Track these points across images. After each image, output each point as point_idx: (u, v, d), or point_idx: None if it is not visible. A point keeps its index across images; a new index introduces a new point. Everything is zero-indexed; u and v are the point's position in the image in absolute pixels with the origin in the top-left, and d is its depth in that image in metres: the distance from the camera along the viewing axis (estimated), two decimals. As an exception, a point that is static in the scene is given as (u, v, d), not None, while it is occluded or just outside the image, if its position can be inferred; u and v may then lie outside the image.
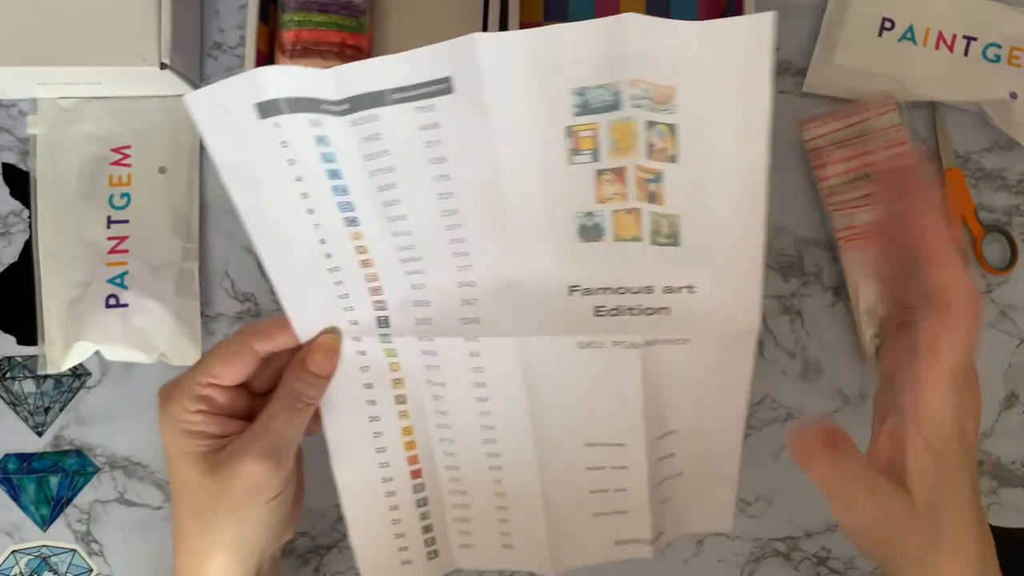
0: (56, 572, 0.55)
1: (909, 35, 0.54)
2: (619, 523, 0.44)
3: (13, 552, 0.55)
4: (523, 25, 0.51)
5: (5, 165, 0.55)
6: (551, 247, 0.38)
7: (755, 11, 0.49)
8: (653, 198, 0.36)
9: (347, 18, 0.52)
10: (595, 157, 0.36)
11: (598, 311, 0.39)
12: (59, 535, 0.55)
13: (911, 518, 0.34)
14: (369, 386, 0.43)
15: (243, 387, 0.41)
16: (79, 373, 0.55)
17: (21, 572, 0.55)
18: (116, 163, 0.54)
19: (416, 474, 0.44)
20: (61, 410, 0.55)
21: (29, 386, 0.55)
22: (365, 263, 0.40)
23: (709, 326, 0.39)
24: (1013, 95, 0.54)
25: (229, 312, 0.55)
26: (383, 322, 0.41)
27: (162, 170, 0.54)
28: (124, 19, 0.49)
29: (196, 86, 0.54)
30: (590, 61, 0.33)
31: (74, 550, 0.55)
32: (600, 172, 0.36)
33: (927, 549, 0.35)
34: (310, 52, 0.51)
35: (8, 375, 0.55)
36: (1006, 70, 0.54)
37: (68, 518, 0.55)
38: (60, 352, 0.53)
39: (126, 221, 0.53)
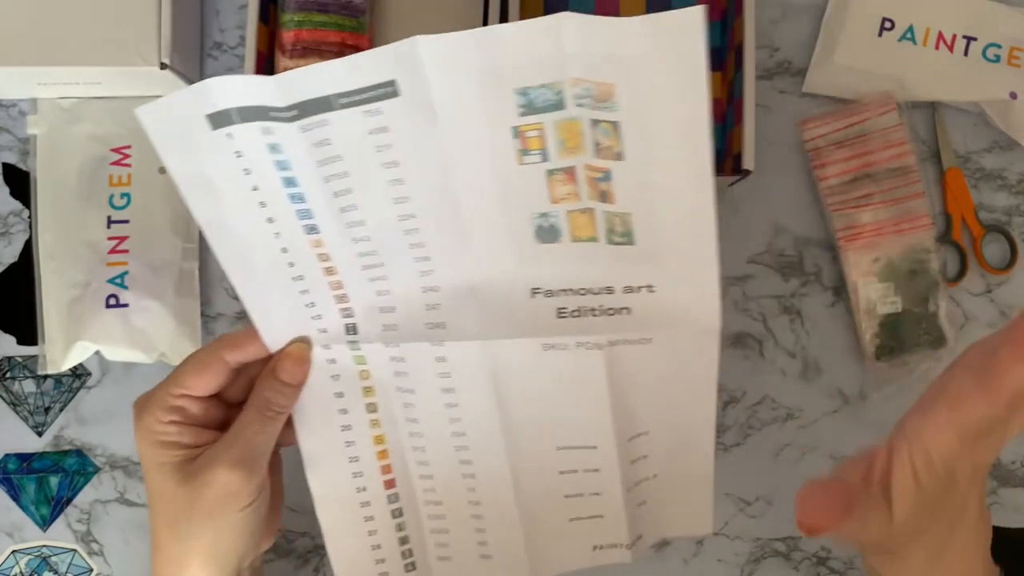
0: (56, 572, 0.55)
1: (909, 35, 0.54)
2: (596, 528, 0.43)
3: (13, 552, 0.55)
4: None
5: (5, 165, 0.55)
6: (510, 250, 0.38)
7: (755, 12, 0.49)
8: (605, 197, 0.36)
9: (347, 18, 0.52)
10: (544, 157, 0.36)
11: (560, 313, 0.39)
12: (59, 535, 0.55)
13: (889, 530, 0.35)
14: (340, 395, 0.42)
15: (217, 397, 0.41)
16: (79, 373, 0.55)
17: (21, 572, 0.55)
18: (116, 163, 0.54)
19: (390, 484, 0.44)
20: (61, 410, 0.55)
21: (29, 386, 0.55)
22: (329, 271, 0.40)
23: (670, 325, 0.39)
24: (1013, 95, 0.54)
25: (229, 312, 0.55)
26: (351, 329, 0.41)
27: (162, 170, 0.54)
28: (124, 19, 0.49)
29: (196, 86, 0.54)
30: (531, 61, 0.33)
31: (74, 550, 0.55)
32: (551, 172, 0.36)
33: (894, 547, 0.36)
34: (310, 52, 0.51)
35: (8, 375, 0.55)
36: (1006, 70, 0.54)
37: (68, 518, 0.55)
38: (60, 352, 0.53)
39: (126, 221, 0.53)
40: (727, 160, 0.52)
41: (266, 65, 0.51)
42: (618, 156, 0.35)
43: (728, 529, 0.55)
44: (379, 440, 0.44)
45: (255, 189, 0.38)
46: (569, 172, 0.36)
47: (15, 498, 0.55)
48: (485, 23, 0.50)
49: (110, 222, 0.53)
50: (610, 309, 0.39)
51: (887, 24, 0.54)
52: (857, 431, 0.54)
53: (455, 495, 0.44)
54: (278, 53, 0.52)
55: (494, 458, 0.42)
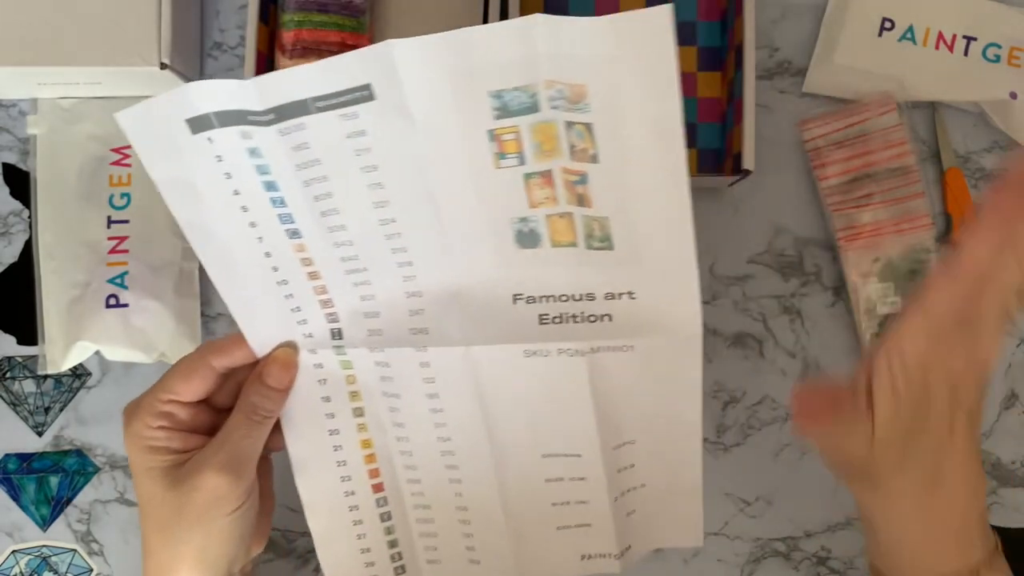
0: (56, 572, 0.55)
1: (909, 35, 0.54)
2: (584, 537, 0.43)
3: (13, 552, 0.55)
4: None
5: (5, 165, 0.55)
6: (491, 255, 0.38)
7: (755, 12, 0.49)
8: (582, 200, 0.36)
9: (347, 18, 0.52)
10: (521, 160, 0.36)
11: (542, 319, 0.39)
12: (59, 535, 0.55)
13: (871, 445, 0.37)
14: (327, 399, 0.42)
15: (205, 403, 0.42)
16: (79, 373, 0.55)
17: (21, 572, 0.55)
18: (116, 163, 0.54)
19: (378, 488, 0.44)
20: (61, 410, 0.55)
21: (29, 386, 0.55)
22: (312, 275, 0.40)
23: (651, 333, 0.39)
24: (1013, 95, 0.54)
25: (229, 312, 0.55)
26: (336, 334, 0.41)
27: (162, 170, 0.54)
28: (124, 19, 0.49)
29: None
30: (504, 63, 0.33)
31: (74, 550, 0.55)
32: (528, 176, 0.36)
33: (877, 468, 0.37)
34: (310, 52, 0.51)
35: (8, 375, 0.55)
36: (1006, 70, 0.54)
37: (68, 518, 0.55)
38: (60, 352, 0.53)
39: (126, 221, 0.53)
40: (727, 160, 0.52)
41: (266, 65, 0.51)
42: (593, 158, 0.35)
43: (728, 529, 0.55)
44: (366, 444, 0.44)
45: (236, 193, 0.38)
46: (546, 176, 0.36)
47: (15, 498, 0.55)
48: (485, 23, 0.50)
49: (110, 222, 0.53)
50: (591, 316, 0.39)
51: (887, 24, 0.54)
52: (857, 431, 0.54)
53: (443, 500, 0.44)
54: (278, 53, 0.52)
55: (479, 464, 0.42)
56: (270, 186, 0.38)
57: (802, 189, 0.55)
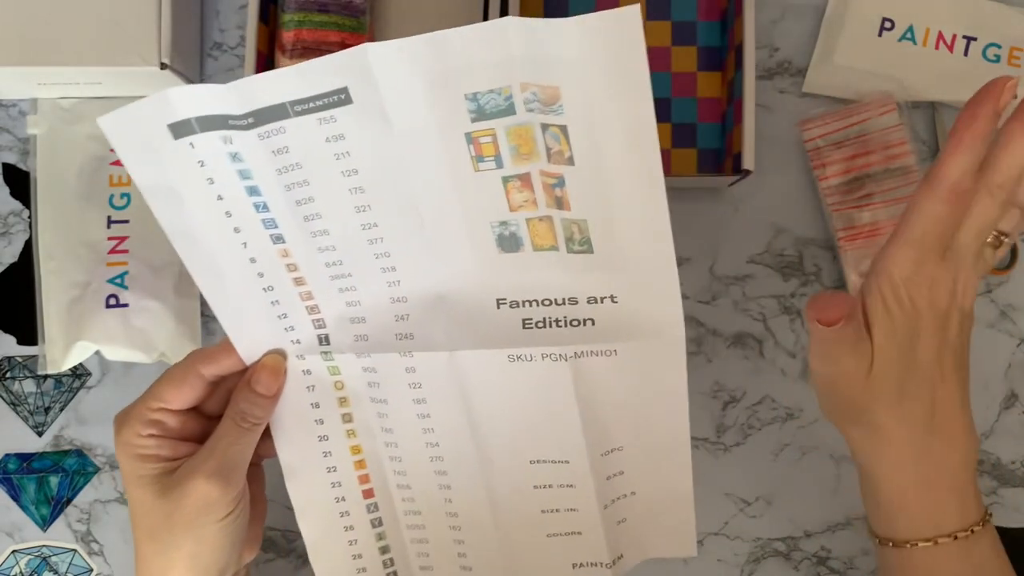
0: (56, 572, 0.55)
1: (909, 35, 0.54)
2: (574, 545, 0.43)
3: (13, 552, 0.55)
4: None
5: (5, 165, 0.55)
6: (473, 259, 0.38)
7: (755, 12, 0.49)
8: (560, 203, 0.36)
9: (347, 18, 0.52)
10: (499, 163, 0.35)
11: (526, 323, 0.39)
12: (59, 535, 0.55)
13: (869, 375, 0.38)
14: (316, 405, 0.42)
15: (195, 410, 0.42)
16: (79, 373, 0.55)
17: (21, 572, 0.55)
18: (116, 163, 0.54)
19: (368, 494, 0.44)
20: (61, 410, 0.55)
21: (29, 386, 0.55)
22: (298, 281, 0.40)
23: (634, 337, 0.38)
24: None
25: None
26: (324, 340, 0.41)
27: (162, 170, 0.54)
28: (124, 19, 0.49)
29: (196, 86, 0.54)
30: (479, 65, 0.33)
31: (74, 550, 0.55)
32: (506, 179, 0.36)
33: (875, 406, 0.38)
34: (310, 52, 0.51)
35: (8, 375, 0.55)
36: (1006, 70, 0.54)
37: (68, 518, 0.55)
38: (60, 352, 0.53)
39: (126, 221, 0.53)
40: (727, 160, 0.52)
41: (266, 65, 0.51)
42: (569, 160, 0.35)
43: (728, 529, 0.55)
44: (356, 450, 0.44)
45: (220, 198, 0.38)
46: (525, 178, 0.36)
47: (15, 498, 0.55)
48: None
49: (110, 222, 0.53)
50: (574, 320, 0.39)
51: (887, 24, 0.54)
52: (857, 431, 0.54)
53: (433, 505, 0.44)
54: (278, 53, 0.52)
55: (467, 469, 0.42)
56: (252, 191, 0.38)
57: (802, 189, 0.55)
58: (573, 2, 0.55)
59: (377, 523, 0.45)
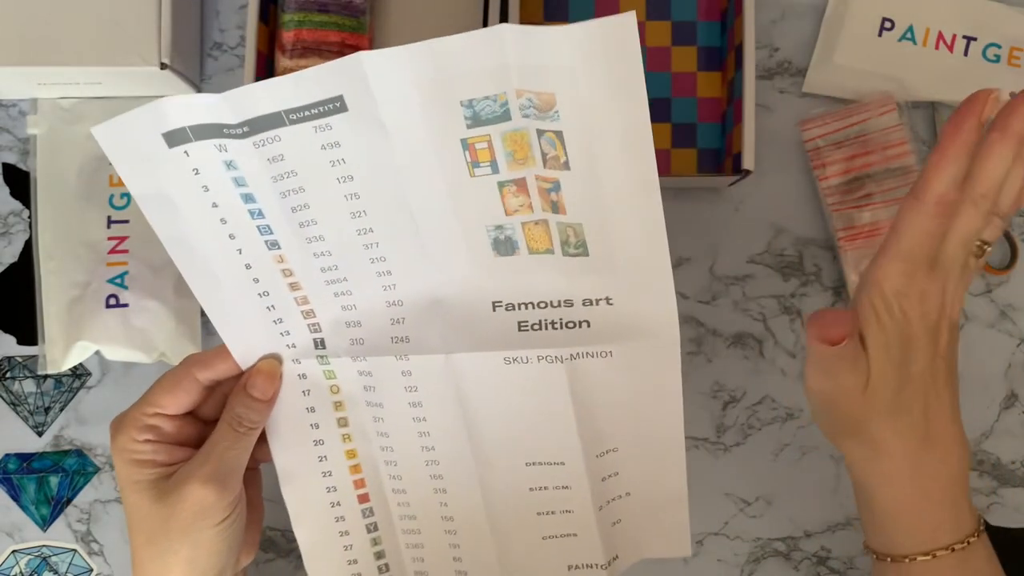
0: (56, 572, 0.55)
1: (909, 35, 0.54)
2: (569, 546, 0.43)
3: (13, 552, 0.55)
4: (524, 25, 0.51)
5: (5, 165, 0.55)
6: (469, 263, 0.38)
7: (755, 12, 0.49)
8: (556, 208, 0.36)
9: (347, 18, 0.52)
10: (495, 169, 0.36)
11: (521, 326, 0.39)
12: (59, 535, 0.55)
13: (865, 390, 0.38)
14: (311, 410, 0.43)
15: (191, 415, 0.42)
16: (79, 373, 0.55)
17: (21, 572, 0.55)
18: (116, 163, 0.54)
19: (363, 498, 0.44)
20: (61, 410, 0.55)
21: (29, 386, 0.55)
22: (293, 286, 0.40)
23: (629, 339, 0.39)
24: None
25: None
26: (319, 344, 0.41)
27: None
28: (124, 19, 0.49)
29: (196, 86, 0.54)
30: (473, 72, 0.33)
31: (74, 550, 0.55)
32: (502, 184, 0.36)
33: (871, 420, 0.39)
34: (310, 52, 0.51)
35: (8, 375, 0.55)
36: (1006, 70, 0.54)
37: (68, 518, 0.55)
38: (60, 352, 0.53)
39: (126, 221, 0.53)
40: (727, 160, 0.52)
41: (266, 65, 0.51)
42: (565, 166, 0.35)
43: (728, 529, 0.55)
44: (351, 455, 0.44)
45: (215, 206, 0.38)
46: (520, 183, 0.36)
47: (15, 498, 0.55)
48: (485, 23, 0.50)
49: (110, 222, 0.53)
50: (570, 322, 0.39)
51: (887, 24, 0.54)
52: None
53: (428, 510, 0.44)
54: (278, 53, 0.52)
55: (463, 472, 0.42)
56: (248, 198, 0.38)
57: (802, 189, 0.55)
58: (573, 3, 0.55)
59: (372, 527, 0.45)
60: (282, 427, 0.43)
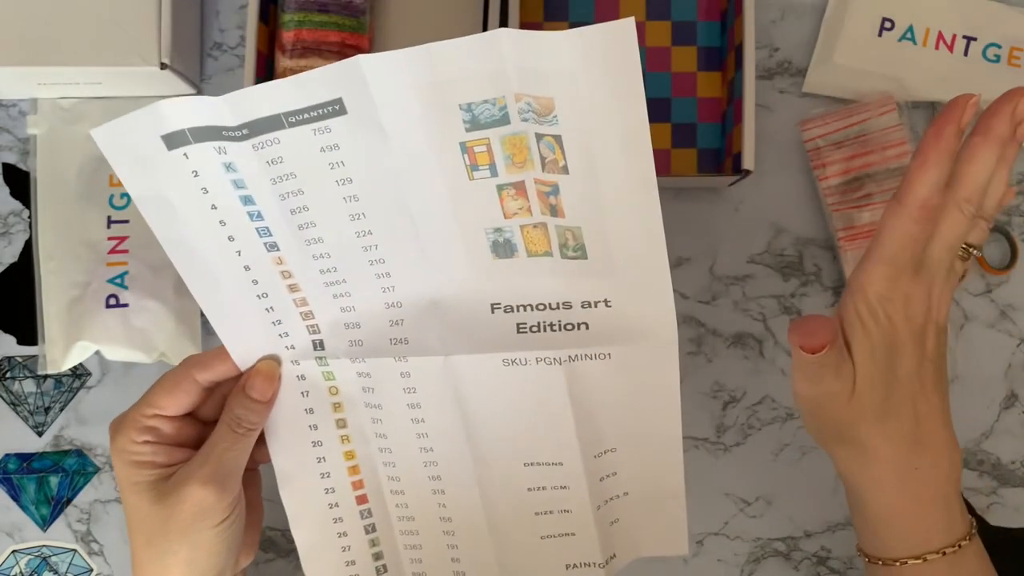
0: (56, 572, 0.55)
1: (909, 35, 0.54)
2: (568, 546, 0.43)
3: (13, 552, 0.55)
4: (523, 26, 0.51)
5: (5, 165, 0.55)
6: (468, 265, 0.38)
7: (755, 12, 0.49)
8: (555, 211, 0.36)
9: (347, 18, 0.52)
10: (493, 172, 0.36)
11: (520, 328, 0.39)
12: (59, 535, 0.55)
13: (852, 395, 0.38)
14: (310, 411, 0.43)
15: (190, 416, 0.42)
16: (79, 373, 0.55)
17: (21, 572, 0.55)
18: (116, 163, 0.54)
19: (362, 499, 0.44)
20: (61, 410, 0.55)
21: (29, 386, 0.55)
22: (292, 288, 0.40)
23: (628, 340, 0.39)
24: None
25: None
26: (318, 345, 0.41)
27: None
28: (124, 19, 0.49)
29: (196, 86, 0.54)
30: (472, 76, 0.33)
31: (74, 550, 0.55)
32: (501, 187, 0.36)
33: (859, 425, 0.39)
34: (310, 52, 0.51)
35: (8, 375, 0.55)
36: (1006, 70, 0.54)
37: (68, 518, 0.55)
38: (60, 352, 0.53)
39: (126, 221, 0.53)
40: (727, 160, 0.52)
41: (266, 65, 0.51)
42: (564, 169, 0.35)
43: (728, 529, 0.55)
44: (349, 456, 0.44)
45: (214, 208, 0.38)
46: (519, 187, 0.36)
47: (15, 498, 0.55)
48: (485, 23, 0.50)
49: (110, 222, 0.53)
50: (568, 324, 0.39)
51: (887, 24, 0.54)
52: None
53: (426, 511, 0.44)
54: (278, 53, 0.52)
55: (462, 473, 0.42)
56: (247, 200, 0.38)
57: (802, 189, 0.55)
58: (573, 4, 0.55)
59: (371, 529, 0.45)
60: (281, 428, 0.43)
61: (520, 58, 0.32)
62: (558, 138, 0.34)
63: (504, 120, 0.34)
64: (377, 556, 0.45)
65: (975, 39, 0.54)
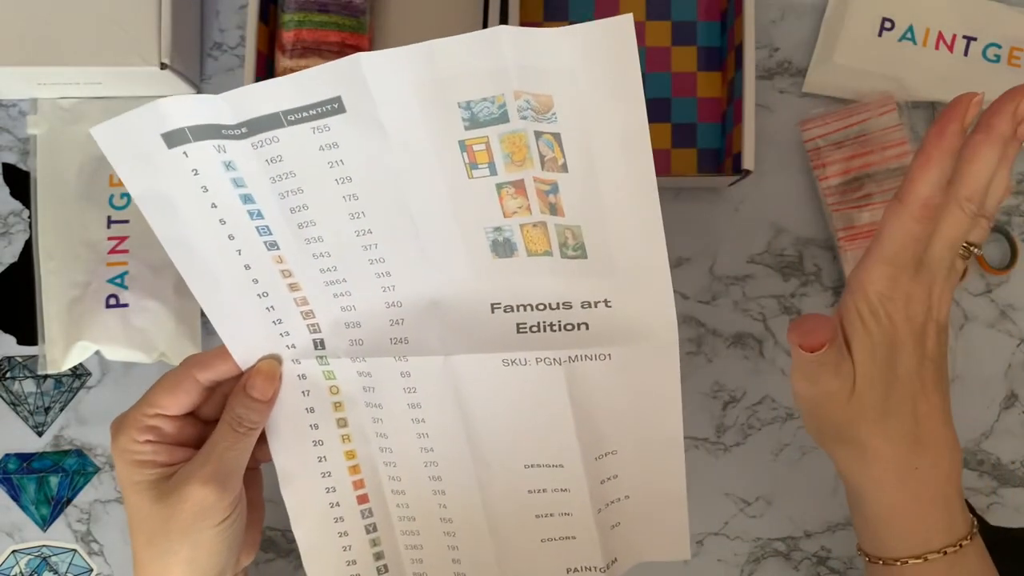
0: (56, 572, 0.55)
1: (909, 35, 0.54)
2: (568, 549, 0.43)
3: (13, 552, 0.55)
4: (523, 25, 0.51)
5: (5, 165, 0.55)
6: (468, 264, 0.38)
7: (755, 12, 0.49)
8: (554, 210, 0.36)
9: (347, 18, 0.52)
10: (493, 170, 0.36)
11: (520, 328, 0.39)
12: (59, 535, 0.55)
13: (852, 395, 0.38)
14: (311, 410, 0.43)
15: (191, 415, 0.42)
16: (79, 373, 0.55)
17: (21, 572, 0.55)
18: (116, 163, 0.54)
19: (363, 499, 0.44)
20: (61, 410, 0.55)
21: (29, 386, 0.55)
22: (293, 286, 0.40)
23: (628, 341, 0.39)
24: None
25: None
26: (319, 344, 0.41)
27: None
28: (124, 19, 0.49)
29: (196, 86, 0.54)
30: (471, 74, 0.33)
31: (74, 550, 0.55)
32: (500, 185, 0.36)
33: (859, 425, 0.39)
34: (310, 52, 0.51)
35: (8, 375, 0.55)
36: (1006, 70, 0.54)
37: (68, 518, 0.55)
38: (60, 352, 0.53)
39: (126, 221, 0.53)
40: (727, 160, 0.52)
41: (266, 65, 0.51)
42: (563, 168, 0.35)
43: (728, 529, 0.55)
44: (350, 455, 0.44)
45: (214, 206, 0.38)
46: (519, 185, 0.36)
47: (15, 498, 0.55)
48: (485, 23, 0.50)
49: (110, 222, 0.53)
50: (568, 324, 0.39)
51: (887, 24, 0.54)
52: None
53: (427, 511, 0.44)
54: (278, 53, 0.52)
55: (462, 473, 0.42)
56: (246, 199, 0.38)
57: (802, 189, 0.55)
58: (573, 3, 0.55)
59: (371, 528, 0.45)
60: (282, 427, 0.43)
61: (519, 55, 0.32)
62: (557, 136, 0.34)
63: (503, 118, 0.34)
64: (378, 556, 0.45)
65: (975, 39, 0.54)
